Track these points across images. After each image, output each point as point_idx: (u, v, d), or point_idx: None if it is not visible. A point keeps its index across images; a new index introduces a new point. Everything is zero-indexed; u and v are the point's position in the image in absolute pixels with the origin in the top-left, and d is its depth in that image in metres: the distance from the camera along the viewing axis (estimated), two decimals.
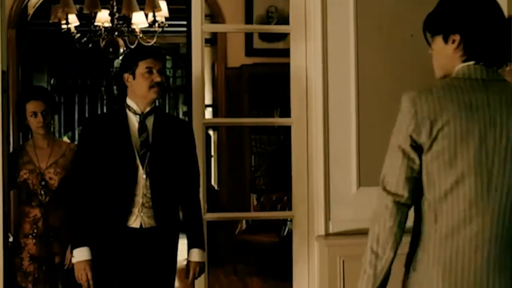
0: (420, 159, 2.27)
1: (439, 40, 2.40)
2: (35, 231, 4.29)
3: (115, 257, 3.64)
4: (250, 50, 8.96)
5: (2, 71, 4.03)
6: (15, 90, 7.75)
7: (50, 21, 7.56)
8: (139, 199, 3.65)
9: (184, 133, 3.85)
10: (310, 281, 4.28)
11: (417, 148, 2.26)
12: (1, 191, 4.02)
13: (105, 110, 13.23)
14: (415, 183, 2.28)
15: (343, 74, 4.21)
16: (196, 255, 3.80)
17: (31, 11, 8.89)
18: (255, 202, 8.77)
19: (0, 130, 4.02)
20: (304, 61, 4.29)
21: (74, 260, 3.67)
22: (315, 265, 4.23)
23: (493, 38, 2.34)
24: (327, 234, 4.19)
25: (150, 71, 3.68)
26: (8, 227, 4.19)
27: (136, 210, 3.64)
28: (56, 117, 13.54)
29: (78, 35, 7.54)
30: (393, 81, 4.11)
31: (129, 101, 3.75)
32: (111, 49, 7.54)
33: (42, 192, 4.29)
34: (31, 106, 4.34)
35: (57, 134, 12.84)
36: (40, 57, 11.48)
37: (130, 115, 3.73)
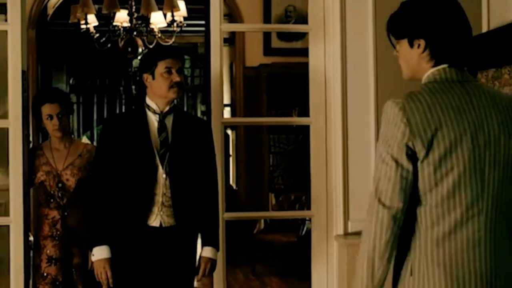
0: (415, 166, 2.26)
1: (404, 43, 2.41)
2: (54, 233, 4.28)
3: (134, 256, 3.64)
4: (268, 50, 8.97)
5: (22, 71, 4.06)
6: (35, 90, 7.81)
7: (70, 21, 7.60)
8: (159, 198, 3.65)
9: (203, 132, 3.85)
10: (328, 281, 4.27)
11: (412, 156, 2.25)
12: (21, 192, 4.04)
13: (123, 110, 13.28)
14: (409, 192, 2.27)
15: (362, 73, 4.20)
16: (209, 252, 3.80)
17: (50, 11, 8.95)
18: (274, 202, 8.77)
19: (20, 130, 4.05)
20: (323, 60, 4.28)
21: (93, 258, 3.67)
22: (334, 265, 4.22)
23: (458, 41, 2.35)
24: (346, 234, 4.18)
25: (169, 71, 3.68)
26: (28, 228, 4.21)
27: (156, 209, 3.65)
28: (75, 117, 13.62)
29: (97, 35, 7.57)
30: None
31: (148, 101, 3.75)
32: (129, 49, 7.57)
33: (60, 194, 4.28)
34: (47, 109, 4.32)
35: (75, 134, 12.90)
36: (59, 57, 11.55)
37: (150, 114, 3.74)
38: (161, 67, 3.68)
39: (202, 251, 3.82)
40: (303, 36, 8.56)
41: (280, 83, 8.76)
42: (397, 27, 2.43)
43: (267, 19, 8.86)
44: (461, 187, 2.25)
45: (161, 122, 3.72)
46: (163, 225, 3.65)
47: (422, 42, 2.35)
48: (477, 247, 2.26)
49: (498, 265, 2.28)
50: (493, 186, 2.28)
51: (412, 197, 2.28)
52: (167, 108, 3.74)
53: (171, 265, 3.67)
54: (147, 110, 3.74)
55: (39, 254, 4.29)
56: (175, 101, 3.82)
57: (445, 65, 2.35)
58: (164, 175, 3.66)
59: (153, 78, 3.70)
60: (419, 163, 2.25)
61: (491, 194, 2.28)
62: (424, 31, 2.35)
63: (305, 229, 7.76)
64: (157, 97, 3.72)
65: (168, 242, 3.66)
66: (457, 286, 2.25)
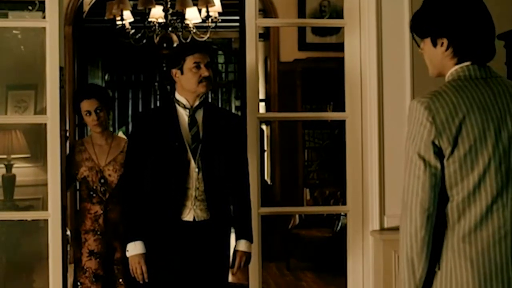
0: (442, 164, 2.31)
1: (428, 42, 2.47)
2: (96, 227, 4.34)
3: (169, 250, 3.66)
4: (303, 45, 8.95)
5: (60, 67, 4.10)
6: (71, 86, 7.89)
7: (105, 18, 7.65)
8: (192, 192, 3.66)
9: (233, 125, 3.86)
10: (364, 276, 4.26)
11: (440, 153, 2.31)
12: (59, 186, 4.08)
13: (158, 105, 13.33)
14: (438, 189, 2.33)
15: (398, 67, 4.17)
16: (243, 245, 3.82)
17: (86, 8, 9.03)
18: (308, 197, 8.75)
19: (58, 126, 4.08)
20: (359, 54, 4.26)
21: (128, 254, 3.69)
22: (370, 260, 4.21)
23: (480, 38, 2.40)
24: (382, 229, 4.16)
25: (198, 66, 3.68)
26: (65, 222, 4.25)
27: (189, 204, 3.66)
28: (110, 112, 13.72)
29: (133, 31, 7.62)
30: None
31: (178, 96, 3.76)
32: (165, 45, 7.61)
33: (102, 189, 4.34)
34: (85, 105, 4.38)
35: (111, 129, 12.98)
36: (95, 53, 11.63)
37: (180, 109, 3.75)
38: (189, 62, 3.69)
39: (236, 245, 3.84)
40: (338, 30, 8.53)
41: (315, 78, 8.74)
42: (420, 26, 2.49)
43: (301, 14, 8.84)
44: (486, 182, 2.30)
45: (192, 117, 3.73)
46: (197, 219, 3.67)
47: (445, 41, 2.41)
48: (503, 241, 2.31)
49: None
50: None
51: (441, 194, 2.33)
52: (197, 103, 3.75)
53: (205, 259, 3.68)
54: (177, 105, 3.76)
55: (80, 248, 4.36)
56: (209, 97, 3.82)
57: (468, 63, 2.40)
58: (196, 169, 3.67)
59: (182, 73, 3.71)
60: (445, 160, 2.31)
61: None
62: (446, 30, 2.40)
63: (340, 224, 7.74)
64: (187, 92, 3.73)
65: (201, 236, 3.67)
66: (484, 280, 2.30)
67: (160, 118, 3.78)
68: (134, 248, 3.68)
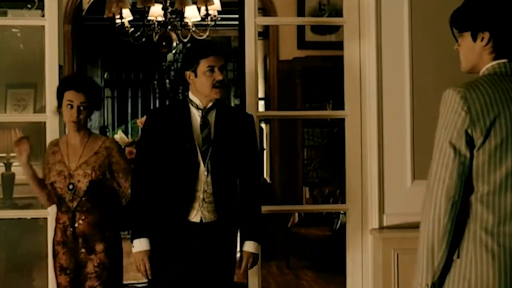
0: (471, 153, 2.32)
1: (467, 36, 2.47)
2: (65, 239, 3.86)
3: (175, 251, 3.63)
4: (302, 43, 8.95)
5: (59, 66, 4.09)
6: None
7: (105, 16, 7.65)
8: (199, 195, 3.62)
9: (246, 126, 3.79)
10: (364, 274, 4.26)
11: (471, 143, 2.32)
12: None
13: (157, 104, 13.30)
14: (466, 178, 2.34)
15: (397, 66, 4.18)
16: (251, 246, 3.76)
17: (85, 6, 9.02)
18: (308, 196, 8.75)
19: (57, 124, 4.08)
20: (358, 53, 4.26)
21: (133, 250, 3.63)
22: (369, 259, 4.21)
23: None
24: (381, 227, 4.17)
25: (211, 69, 3.61)
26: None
27: (196, 205, 3.62)
28: (110, 110, 13.67)
29: (132, 29, 7.62)
30: (448, 74, 4.05)
31: (191, 96, 3.70)
32: (164, 43, 7.60)
33: (70, 197, 3.83)
34: (70, 95, 3.82)
35: (110, 128, 12.95)
36: (94, 52, 11.64)
37: (193, 109, 3.69)
38: (203, 66, 3.62)
39: (244, 245, 3.77)
40: (337, 29, 8.53)
41: (314, 77, 8.74)
42: (462, 20, 2.49)
43: (300, 12, 8.85)
44: None
45: (204, 118, 3.68)
46: (204, 220, 3.63)
47: (487, 35, 2.41)
48: None
49: None
50: None
51: (466, 184, 2.34)
52: (210, 104, 3.69)
53: (211, 260, 3.66)
54: (190, 105, 3.71)
55: (55, 261, 3.93)
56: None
57: (505, 60, 2.41)
58: (205, 173, 3.62)
59: (196, 76, 3.64)
60: (475, 151, 2.32)
61: None
62: (489, 24, 2.41)
63: (339, 223, 7.74)
64: (200, 94, 3.67)
65: (208, 237, 3.63)
66: (504, 275, 2.30)
67: (172, 116, 3.71)
68: (140, 245, 3.64)
